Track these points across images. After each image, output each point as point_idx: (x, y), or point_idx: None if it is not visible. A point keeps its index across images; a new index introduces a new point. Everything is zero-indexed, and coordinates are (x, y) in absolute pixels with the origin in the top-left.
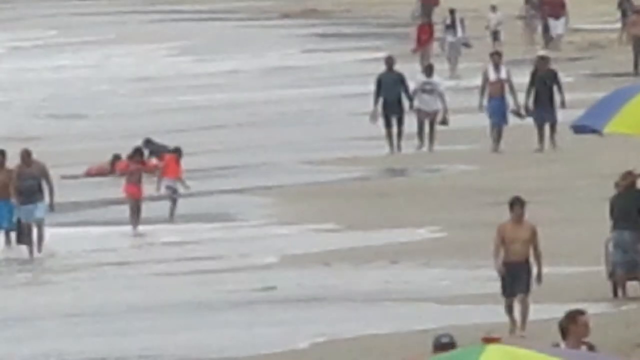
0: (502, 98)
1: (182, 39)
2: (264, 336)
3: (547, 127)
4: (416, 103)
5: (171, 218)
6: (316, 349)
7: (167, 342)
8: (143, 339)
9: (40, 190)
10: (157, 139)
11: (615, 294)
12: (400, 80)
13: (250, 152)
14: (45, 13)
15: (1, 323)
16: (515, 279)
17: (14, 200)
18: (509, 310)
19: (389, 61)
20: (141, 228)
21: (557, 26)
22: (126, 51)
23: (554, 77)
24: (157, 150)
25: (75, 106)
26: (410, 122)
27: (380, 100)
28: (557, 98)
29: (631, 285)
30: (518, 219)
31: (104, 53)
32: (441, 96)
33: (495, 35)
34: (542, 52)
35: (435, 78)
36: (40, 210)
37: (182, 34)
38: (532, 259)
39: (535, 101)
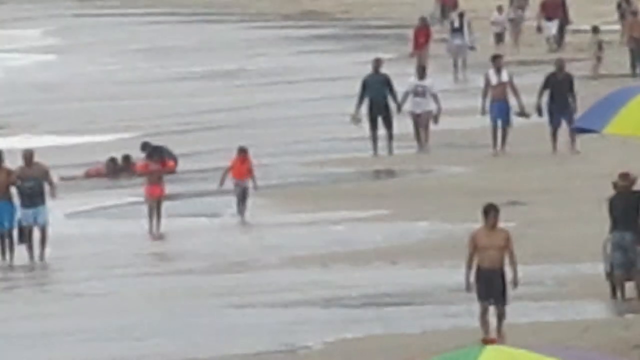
0: (505, 101)
1: (178, 40)
2: (271, 335)
3: (560, 131)
4: (409, 106)
5: (242, 215)
6: (320, 349)
7: (173, 343)
8: (150, 341)
9: (42, 192)
10: (160, 141)
11: (613, 294)
12: (387, 82)
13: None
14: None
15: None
16: (490, 287)
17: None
18: (484, 314)
19: (376, 63)
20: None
21: (551, 28)
22: (120, 51)
23: (569, 82)
24: (155, 152)
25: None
26: (400, 124)
27: (366, 102)
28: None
29: (629, 286)
30: (492, 226)
31: (99, 56)
32: (435, 98)
33: (499, 37)
34: (559, 56)
35: (427, 80)
36: (42, 214)
37: (179, 35)
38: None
39: (552, 103)
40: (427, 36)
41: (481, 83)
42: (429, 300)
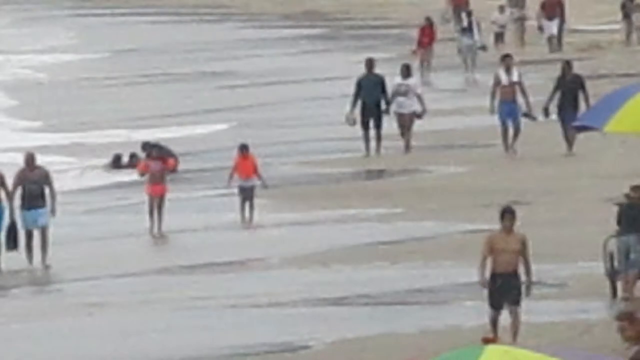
0: (515, 101)
1: (178, 40)
2: (271, 335)
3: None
4: (393, 106)
5: (250, 219)
6: (320, 349)
7: (172, 342)
8: (149, 340)
9: (42, 196)
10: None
11: (614, 294)
12: (380, 83)
13: None
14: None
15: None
16: (504, 291)
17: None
18: (494, 322)
19: (369, 63)
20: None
21: (550, 27)
22: (117, 51)
23: (580, 82)
24: (154, 151)
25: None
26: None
27: (359, 103)
28: (582, 104)
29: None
30: (508, 229)
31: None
32: (419, 97)
33: (498, 37)
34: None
35: (411, 79)
36: (43, 216)
37: (180, 34)
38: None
39: (560, 105)
40: (432, 36)
41: (486, 83)
42: (428, 300)
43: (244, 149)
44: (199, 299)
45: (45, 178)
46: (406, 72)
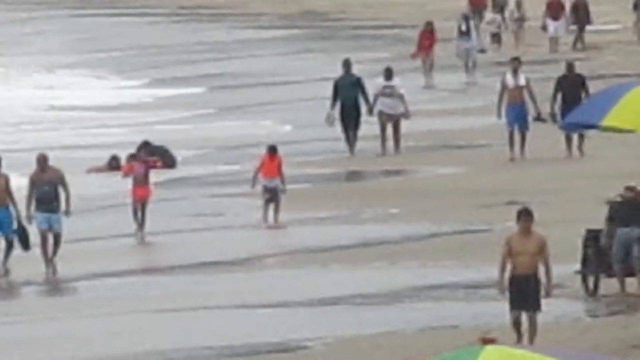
0: (522, 104)
1: (179, 39)
2: (270, 335)
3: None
4: (378, 107)
5: (275, 219)
6: (319, 349)
7: (172, 343)
8: (147, 341)
9: (57, 198)
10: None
11: (587, 291)
12: (358, 83)
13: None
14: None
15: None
16: (523, 294)
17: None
18: (516, 324)
19: (346, 64)
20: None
21: (556, 27)
22: (113, 49)
23: (582, 83)
24: (155, 152)
25: None
26: (369, 126)
27: (338, 104)
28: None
29: (630, 281)
30: (526, 230)
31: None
32: (401, 98)
33: (495, 37)
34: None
35: (395, 81)
36: (58, 221)
37: (180, 35)
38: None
39: (564, 105)
40: (432, 40)
41: (485, 84)
42: (427, 300)
43: (272, 150)
44: (196, 299)
45: (59, 179)
46: (389, 74)
